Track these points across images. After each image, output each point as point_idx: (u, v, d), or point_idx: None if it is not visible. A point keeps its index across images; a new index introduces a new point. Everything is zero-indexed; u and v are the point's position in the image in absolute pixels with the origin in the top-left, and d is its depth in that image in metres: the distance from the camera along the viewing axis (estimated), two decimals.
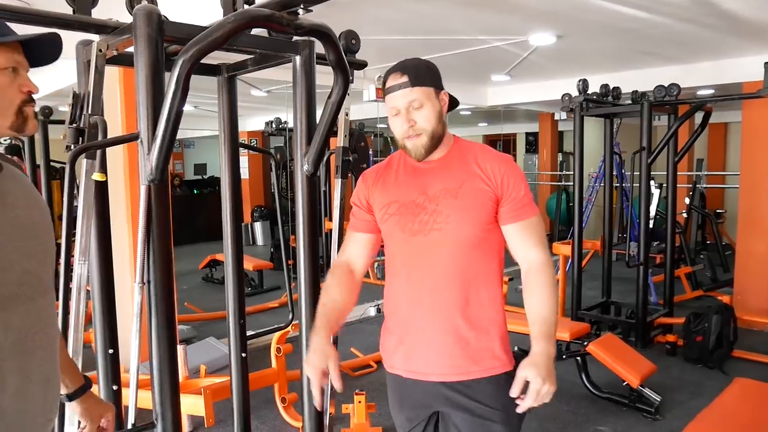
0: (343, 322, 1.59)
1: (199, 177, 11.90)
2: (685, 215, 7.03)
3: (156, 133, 1.60)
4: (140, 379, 1.80)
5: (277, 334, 3.19)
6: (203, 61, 1.85)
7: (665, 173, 4.77)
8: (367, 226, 1.63)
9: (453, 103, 1.57)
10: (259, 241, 10.07)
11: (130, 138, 1.67)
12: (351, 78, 1.97)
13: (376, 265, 6.94)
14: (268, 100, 7.14)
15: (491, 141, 11.58)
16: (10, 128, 1.02)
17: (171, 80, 1.52)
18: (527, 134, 11.08)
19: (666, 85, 4.28)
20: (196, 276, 7.14)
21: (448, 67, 5.27)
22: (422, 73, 1.48)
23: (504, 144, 11.30)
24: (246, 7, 1.80)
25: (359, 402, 2.70)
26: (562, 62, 4.88)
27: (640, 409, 3.37)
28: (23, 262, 1.04)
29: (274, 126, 7.41)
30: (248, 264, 6.01)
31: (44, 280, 1.10)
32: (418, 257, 1.50)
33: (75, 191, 1.84)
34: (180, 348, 3.68)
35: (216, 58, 1.94)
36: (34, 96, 1.06)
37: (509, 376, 1.44)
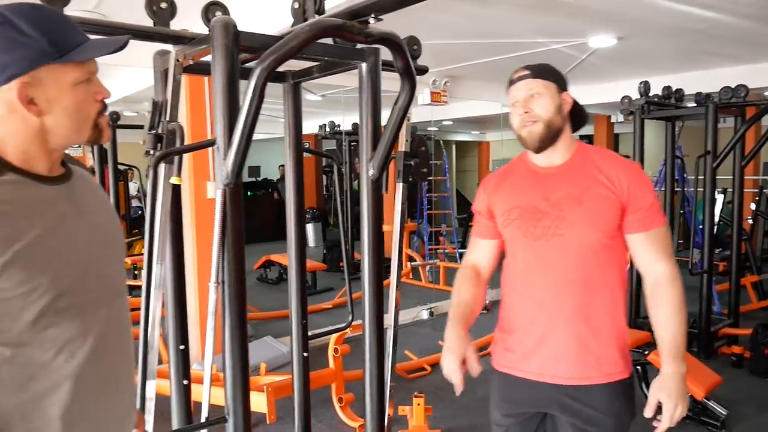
0: (472, 323, 1.62)
1: (253, 179, 12.18)
2: (750, 221, 6.75)
3: (232, 139, 1.67)
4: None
5: (335, 335, 3.25)
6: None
7: (729, 177, 4.61)
8: (488, 232, 1.67)
9: (582, 115, 1.59)
10: (311, 242, 10.22)
11: (208, 144, 1.74)
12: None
13: (428, 269, 6.96)
14: (322, 103, 7.25)
15: None
16: (87, 141, 1.05)
17: (248, 88, 1.58)
18: (580, 137, 10.86)
19: (732, 87, 4.13)
20: (251, 276, 7.31)
21: (502, 69, 5.24)
22: (545, 69, 1.53)
23: None
24: (316, 17, 1.85)
25: (418, 404, 2.72)
26: (622, 64, 4.78)
27: (705, 423, 3.26)
28: (100, 266, 1.06)
29: (327, 129, 7.52)
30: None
31: (119, 283, 1.13)
32: (540, 262, 1.52)
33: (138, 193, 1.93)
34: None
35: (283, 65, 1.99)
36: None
37: (625, 385, 1.49)
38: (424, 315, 5.30)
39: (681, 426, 3.32)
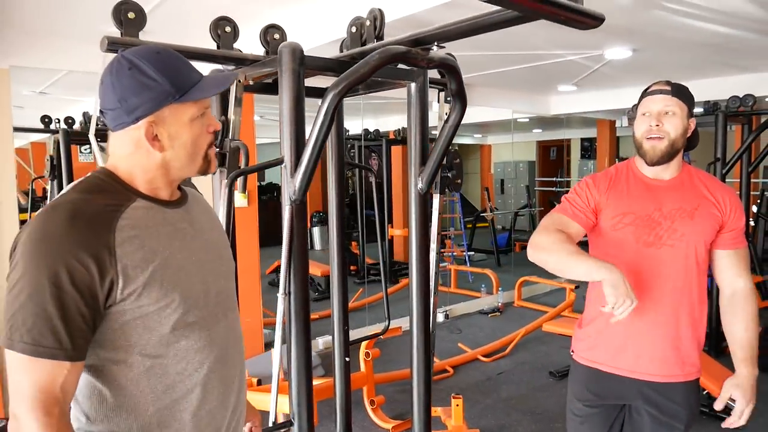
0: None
1: (258, 184, 12.24)
2: (753, 223, 6.91)
3: (301, 158, 1.77)
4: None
5: (366, 341, 3.36)
6: (314, 84, 2.05)
7: (735, 181, 4.76)
8: (583, 221, 1.69)
9: (695, 139, 1.69)
10: (317, 245, 10.31)
11: (276, 163, 1.85)
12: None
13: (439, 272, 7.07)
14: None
15: (545, 147, 11.56)
16: (197, 173, 1.13)
17: (320, 111, 1.68)
18: (582, 140, 11.03)
19: (741, 96, 4.27)
20: (263, 281, 7.39)
21: (515, 78, 5.41)
22: (684, 91, 1.63)
23: (558, 150, 11.27)
24: (375, 41, 1.96)
25: (457, 405, 2.84)
26: (633, 72, 4.91)
27: (721, 418, 3.38)
28: (217, 282, 1.16)
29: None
30: (315, 269, 6.21)
31: (232, 297, 1.23)
32: (646, 267, 1.64)
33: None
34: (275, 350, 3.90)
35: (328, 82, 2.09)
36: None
37: (697, 383, 1.69)
38: (440, 318, 5.42)
39: (700, 421, 3.47)
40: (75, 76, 4.16)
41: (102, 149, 3.54)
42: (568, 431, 1.87)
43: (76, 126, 4.62)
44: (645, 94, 1.67)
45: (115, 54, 1.08)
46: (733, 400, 1.62)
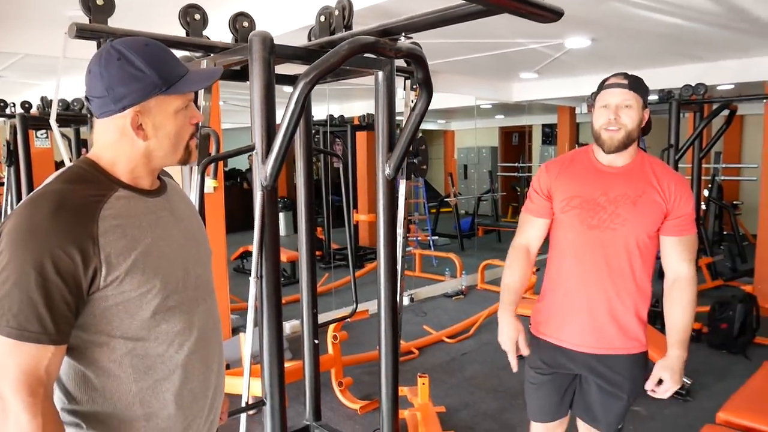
0: (521, 298, 1.87)
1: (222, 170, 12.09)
2: (704, 207, 7.21)
3: (272, 145, 1.81)
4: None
5: (333, 324, 3.42)
6: (284, 71, 2.08)
7: (688, 166, 4.96)
8: (544, 211, 1.85)
9: (648, 127, 1.78)
10: (282, 231, 10.30)
11: (247, 150, 1.88)
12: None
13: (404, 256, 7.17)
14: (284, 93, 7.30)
15: (507, 133, 11.74)
16: (178, 162, 1.17)
17: (291, 100, 1.72)
18: (543, 126, 11.24)
19: (693, 85, 4.45)
20: (228, 266, 7.36)
21: (479, 65, 5.50)
22: (640, 84, 1.71)
23: (520, 135, 11.46)
24: (344, 31, 2.00)
25: (423, 384, 2.93)
26: (592, 61, 5.05)
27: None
28: (196, 267, 1.20)
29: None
30: (281, 255, 6.22)
31: (210, 282, 1.27)
32: (589, 248, 1.74)
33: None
34: (241, 335, 3.92)
35: (295, 69, 2.13)
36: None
37: (642, 356, 1.78)
38: (405, 301, 5.52)
39: (648, 395, 3.65)
40: (32, 59, 4.05)
41: (63, 135, 3.47)
42: (526, 398, 2.00)
43: (33, 110, 4.50)
44: (603, 86, 1.75)
45: (82, 39, 1.10)
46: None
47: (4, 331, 0.94)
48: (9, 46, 3.61)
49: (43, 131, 5.39)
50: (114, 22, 1.75)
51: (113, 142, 1.09)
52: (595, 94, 1.82)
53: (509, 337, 1.81)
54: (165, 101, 1.08)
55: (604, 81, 1.76)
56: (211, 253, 1.31)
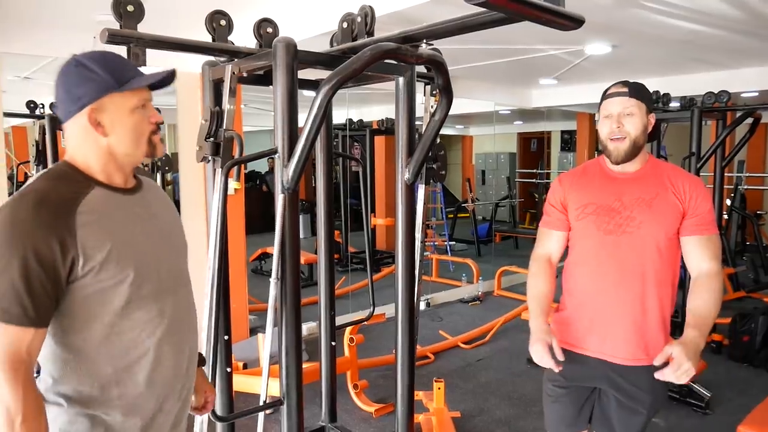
0: (549, 311, 1.84)
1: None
2: (726, 217, 7.12)
3: (294, 148, 1.84)
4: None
5: (350, 327, 3.45)
6: (306, 76, 2.13)
7: (710, 175, 4.91)
8: (561, 224, 1.85)
9: (656, 132, 1.77)
10: (301, 233, 10.34)
11: (270, 153, 1.91)
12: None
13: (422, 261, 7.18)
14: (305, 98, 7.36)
15: (526, 139, 11.70)
16: (145, 156, 1.27)
17: (314, 105, 1.75)
18: (562, 132, 11.19)
19: (716, 92, 4.41)
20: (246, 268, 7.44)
21: (498, 71, 5.50)
22: (641, 91, 1.70)
23: (538, 142, 11.42)
24: (366, 37, 2.03)
25: (438, 388, 2.94)
26: (612, 67, 5.03)
27: (690, 404, 3.55)
28: (169, 260, 1.31)
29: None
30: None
31: (184, 273, 1.38)
32: (607, 253, 1.73)
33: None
34: (260, 335, 3.97)
35: (317, 74, 2.16)
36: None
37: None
38: (422, 306, 5.53)
39: (669, 407, 3.63)
40: (62, 62, 4.15)
41: None
42: (544, 410, 1.98)
43: None
44: (605, 96, 1.74)
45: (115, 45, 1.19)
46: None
47: None
48: (39, 49, 3.71)
49: None
50: (143, 27, 1.80)
51: (81, 142, 1.20)
52: (599, 105, 1.82)
53: (540, 341, 1.69)
54: (120, 99, 1.19)
55: (605, 91, 1.76)
56: (186, 246, 1.41)
